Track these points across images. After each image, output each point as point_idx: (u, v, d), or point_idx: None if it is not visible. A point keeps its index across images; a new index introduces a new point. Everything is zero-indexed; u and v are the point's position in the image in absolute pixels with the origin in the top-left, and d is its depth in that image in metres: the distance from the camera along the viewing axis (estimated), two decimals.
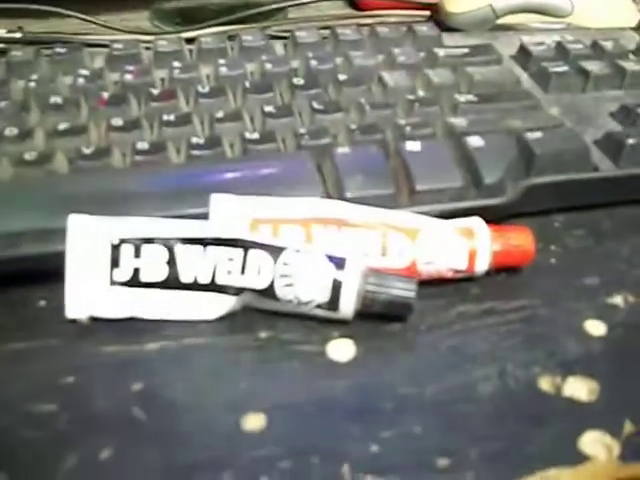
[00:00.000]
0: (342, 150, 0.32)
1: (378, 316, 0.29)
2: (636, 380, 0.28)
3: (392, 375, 0.27)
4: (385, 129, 0.35)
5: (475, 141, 0.33)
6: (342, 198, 0.31)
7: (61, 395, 0.26)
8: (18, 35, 0.46)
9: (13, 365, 0.27)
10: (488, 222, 0.31)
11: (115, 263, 0.28)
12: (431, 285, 0.30)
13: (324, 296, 0.28)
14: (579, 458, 0.25)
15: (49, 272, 0.28)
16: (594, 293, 0.31)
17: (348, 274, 0.28)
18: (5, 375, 0.27)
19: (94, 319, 0.28)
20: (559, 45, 0.42)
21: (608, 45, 0.42)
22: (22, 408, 0.26)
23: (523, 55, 0.42)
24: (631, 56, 0.42)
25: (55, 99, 0.35)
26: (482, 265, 0.30)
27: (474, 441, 0.25)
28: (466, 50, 0.41)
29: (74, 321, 0.28)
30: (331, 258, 0.28)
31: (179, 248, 0.28)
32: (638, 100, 0.38)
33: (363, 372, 0.27)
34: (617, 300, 0.31)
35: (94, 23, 0.48)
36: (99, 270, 0.28)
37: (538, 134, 0.34)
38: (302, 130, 0.34)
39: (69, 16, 0.48)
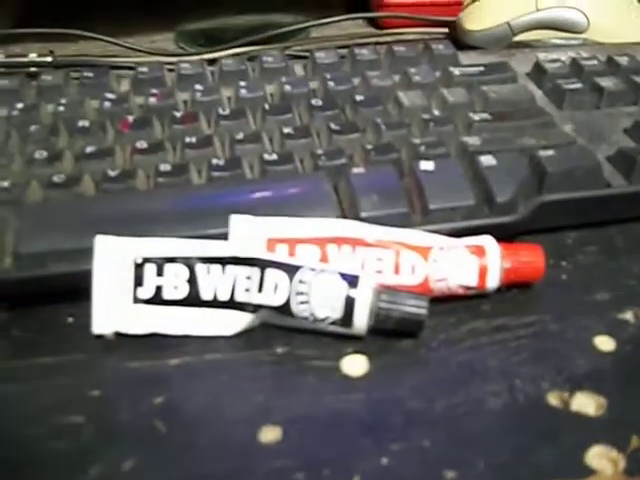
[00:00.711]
0: (357, 170, 0.33)
1: (391, 332, 0.30)
2: None
3: (403, 390, 0.28)
4: (400, 149, 0.36)
5: (487, 160, 0.34)
6: (357, 218, 0.32)
7: (87, 408, 0.27)
8: (49, 59, 0.48)
9: (42, 379, 0.29)
10: (500, 239, 0.31)
11: (139, 281, 0.30)
12: (443, 302, 0.31)
13: (338, 313, 0.29)
14: (585, 472, 0.25)
15: (77, 290, 0.30)
16: (604, 309, 0.32)
17: (361, 291, 0.29)
18: (34, 388, 0.28)
19: (119, 335, 0.30)
20: (574, 62, 0.43)
21: (623, 60, 0.43)
22: (49, 420, 0.27)
23: (538, 72, 0.42)
24: None
25: (83, 123, 0.37)
26: (493, 282, 0.31)
27: (481, 454, 0.26)
28: (482, 68, 0.42)
29: (100, 337, 0.30)
30: (344, 276, 0.29)
31: (199, 267, 0.30)
32: None
33: (375, 387, 0.28)
34: (627, 316, 0.31)
35: (120, 46, 0.49)
36: (124, 288, 0.30)
37: (550, 152, 0.35)
38: (319, 151, 0.35)
39: (96, 39, 0.50)
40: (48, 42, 0.52)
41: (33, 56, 0.48)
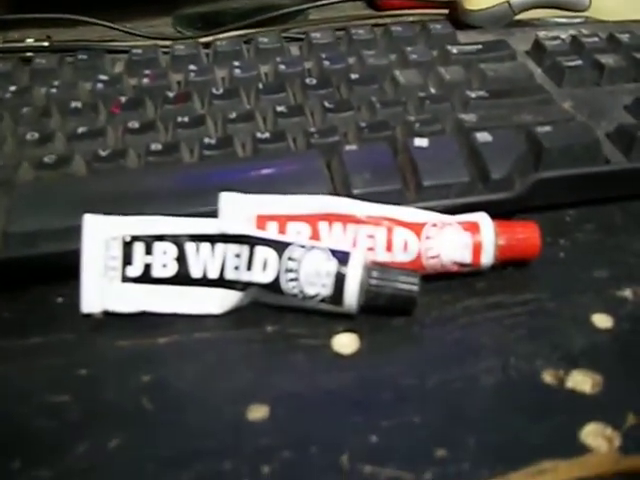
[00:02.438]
0: (350, 148, 0.33)
1: (383, 311, 0.29)
2: None
3: (394, 367, 0.28)
4: (395, 126, 0.35)
5: (483, 136, 0.33)
6: (349, 195, 0.31)
7: (74, 386, 0.27)
8: (45, 44, 0.47)
9: (30, 358, 0.28)
10: (496, 217, 0.31)
11: (127, 260, 0.29)
12: (438, 280, 0.31)
13: (328, 290, 0.28)
14: (579, 450, 0.25)
15: (67, 270, 0.29)
16: (602, 286, 0.31)
17: (351, 268, 0.28)
18: (23, 368, 0.28)
19: (108, 314, 0.29)
20: (574, 39, 0.42)
21: (625, 38, 0.42)
22: (37, 399, 0.27)
23: (537, 50, 0.42)
24: None
25: (75, 104, 0.37)
26: (487, 259, 0.30)
27: (473, 432, 0.25)
28: (480, 47, 0.41)
29: (89, 316, 0.29)
30: (335, 252, 0.28)
31: (188, 245, 0.29)
32: None
33: (366, 364, 0.28)
34: (626, 293, 0.31)
35: (118, 30, 0.49)
36: (112, 267, 0.29)
37: (548, 128, 0.34)
38: (312, 129, 0.35)
39: (95, 24, 0.50)
40: (46, 28, 0.52)
41: (30, 41, 0.48)
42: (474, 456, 0.25)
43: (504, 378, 0.27)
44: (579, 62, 0.40)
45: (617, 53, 0.41)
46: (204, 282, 0.29)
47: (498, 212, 0.31)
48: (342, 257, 0.28)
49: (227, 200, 0.30)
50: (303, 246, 0.29)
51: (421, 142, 0.33)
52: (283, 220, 0.30)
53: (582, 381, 0.27)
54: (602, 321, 0.30)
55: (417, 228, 0.30)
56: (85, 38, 0.50)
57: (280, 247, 0.29)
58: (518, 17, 0.47)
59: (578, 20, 0.46)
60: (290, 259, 0.28)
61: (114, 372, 0.28)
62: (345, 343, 0.29)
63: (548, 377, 0.27)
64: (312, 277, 0.28)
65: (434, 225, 0.30)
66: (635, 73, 0.40)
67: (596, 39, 0.42)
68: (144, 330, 0.29)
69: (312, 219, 0.30)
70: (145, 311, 0.29)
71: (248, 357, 0.28)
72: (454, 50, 0.40)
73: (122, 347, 0.29)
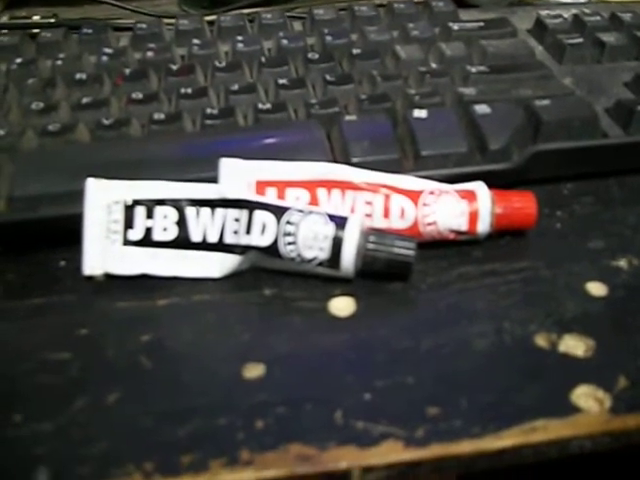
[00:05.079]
0: (349, 118, 0.33)
1: (380, 276, 0.30)
2: (633, 338, 0.28)
3: (389, 330, 0.28)
4: (395, 99, 0.35)
5: (482, 109, 0.34)
6: (348, 163, 0.32)
7: (75, 345, 0.28)
8: (52, 20, 0.48)
9: (32, 318, 0.29)
10: (494, 187, 0.31)
11: (129, 223, 0.30)
12: (434, 247, 0.31)
13: (325, 254, 0.29)
14: (570, 410, 0.25)
15: (71, 234, 0.30)
16: (598, 256, 0.31)
17: (348, 232, 0.29)
18: (25, 327, 0.29)
19: (109, 276, 0.30)
20: (576, 18, 0.42)
21: (627, 17, 0.42)
22: (39, 356, 0.27)
23: (539, 28, 0.42)
24: None
25: (80, 76, 0.37)
26: (483, 227, 0.30)
27: (465, 392, 0.26)
28: (481, 24, 0.41)
29: (91, 278, 0.30)
30: (332, 217, 0.29)
31: (189, 209, 0.30)
32: None
33: (361, 327, 0.28)
34: (621, 263, 0.31)
35: (124, 8, 0.50)
36: (114, 230, 0.30)
37: (546, 102, 0.34)
38: (313, 100, 0.35)
39: (101, 2, 0.50)
40: (53, 6, 0.52)
41: (36, 18, 0.48)
42: (466, 414, 0.25)
43: (497, 342, 0.28)
44: (580, 40, 0.40)
45: (619, 32, 0.41)
46: (204, 246, 0.30)
47: (496, 183, 0.32)
48: (340, 221, 0.29)
49: (227, 165, 0.30)
50: (301, 211, 0.29)
51: (420, 113, 0.33)
52: (282, 186, 0.30)
53: (575, 345, 0.28)
54: (596, 289, 0.30)
55: (414, 195, 0.30)
56: (91, 16, 0.51)
57: (279, 211, 0.29)
58: None
59: (581, 0, 0.46)
60: (288, 223, 0.29)
61: (114, 332, 0.28)
62: (341, 306, 0.29)
63: (541, 341, 0.28)
64: (310, 241, 0.29)
65: (431, 193, 0.30)
66: (636, 51, 0.40)
67: (598, 18, 0.42)
68: (144, 292, 0.30)
69: (311, 185, 0.30)
70: (146, 274, 0.30)
71: (246, 319, 0.29)
72: (455, 27, 0.41)
73: (122, 308, 0.29)
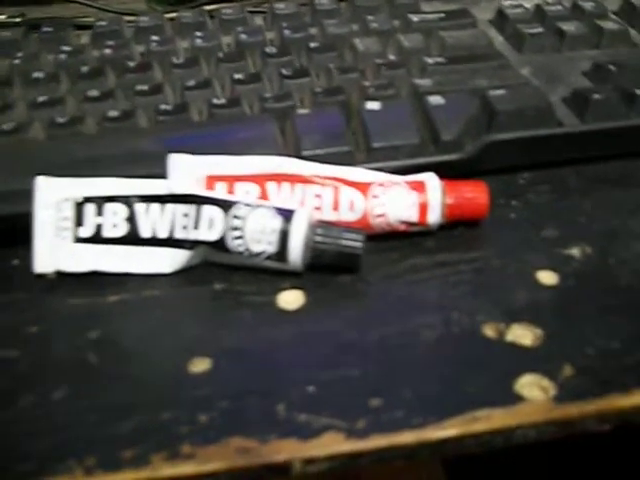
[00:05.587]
0: (302, 112, 0.33)
1: (330, 269, 0.30)
2: (582, 327, 0.28)
3: (337, 323, 0.28)
4: (350, 92, 0.35)
5: (436, 100, 0.34)
6: (299, 156, 0.32)
7: (24, 343, 0.28)
8: (17, 20, 0.48)
9: None
10: (447, 178, 0.31)
11: (79, 221, 0.30)
12: (386, 239, 0.31)
13: (273, 247, 0.29)
14: (514, 400, 0.25)
15: (25, 233, 0.30)
16: (551, 245, 0.31)
17: (295, 225, 0.29)
18: None
19: (60, 274, 0.30)
20: (537, 7, 0.42)
21: (588, 6, 0.42)
22: None
23: (500, 19, 0.42)
24: (611, 16, 0.42)
25: (37, 74, 0.37)
26: (434, 217, 0.30)
27: (409, 383, 0.26)
28: (442, 15, 0.41)
29: (42, 276, 0.30)
30: (280, 211, 0.29)
31: (138, 206, 0.30)
32: (613, 58, 0.38)
33: (309, 320, 0.28)
34: (574, 251, 0.31)
35: (91, 7, 0.50)
36: (64, 227, 0.30)
37: (501, 92, 0.34)
38: (268, 95, 0.35)
39: (69, 1, 0.50)
40: (22, 6, 0.52)
41: (2, 18, 0.48)
42: (408, 405, 0.25)
43: (444, 332, 0.28)
44: (540, 29, 0.40)
45: (579, 21, 0.41)
46: (154, 242, 0.30)
47: (450, 174, 0.31)
48: (287, 215, 0.29)
49: (176, 161, 0.30)
50: (249, 204, 0.29)
51: (373, 105, 0.33)
52: (232, 180, 0.30)
53: (522, 335, 0.28)
54: (547, 278, 0.30)
55: (364, 187, 0.30)
56: (59, 15, 0.51)
57: (226, 206, 0.29)
58: None
59: None
60: (235, 217, 0.29)
61: (63, 329, 0.28)
62: (290, 300, 0.29)
63: (489, 331, 0.28)
64: (257, 234, 0.29)
65: (381, 185, 0.30)
66: (596, 40, 0.40)
67: (559, 7, 0.42)
68: (95, 289, 0.30)
69: (260, 179, 0.30)
70: (97, 271, 0.30)
71: (195, 314, 0.29)
72: (415, 19, 0.41)
73: (73, 305, 0.29)
